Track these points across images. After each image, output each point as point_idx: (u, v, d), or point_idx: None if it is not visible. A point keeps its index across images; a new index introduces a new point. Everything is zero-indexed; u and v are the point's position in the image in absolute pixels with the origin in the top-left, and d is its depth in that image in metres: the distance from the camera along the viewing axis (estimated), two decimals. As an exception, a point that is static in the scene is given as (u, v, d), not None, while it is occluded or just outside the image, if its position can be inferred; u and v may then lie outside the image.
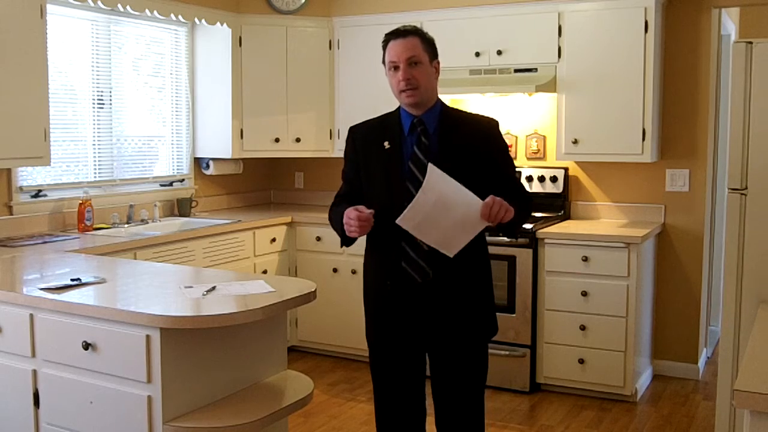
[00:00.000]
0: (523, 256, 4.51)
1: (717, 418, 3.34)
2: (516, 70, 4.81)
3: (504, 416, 4.25)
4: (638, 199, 4.92)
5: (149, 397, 2.52)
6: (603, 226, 4.69)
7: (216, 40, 5.27)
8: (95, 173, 4.74)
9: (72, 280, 2.90)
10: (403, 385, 2.80)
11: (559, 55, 4.70)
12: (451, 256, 2.54)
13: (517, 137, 5.20)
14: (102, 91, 4.74)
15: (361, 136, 2.81)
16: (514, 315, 4.56)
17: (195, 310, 2.58)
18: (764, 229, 3.19)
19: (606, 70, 4.59)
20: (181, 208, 5.17)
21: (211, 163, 5.42)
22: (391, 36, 2.67)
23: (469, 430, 2.78)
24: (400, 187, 2.64)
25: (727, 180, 3.29)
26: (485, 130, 2.73)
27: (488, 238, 4.61)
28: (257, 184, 5.96)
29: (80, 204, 4.38)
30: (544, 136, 5.12)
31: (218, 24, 5.13)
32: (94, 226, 4.42)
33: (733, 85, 3.23)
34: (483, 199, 2.50)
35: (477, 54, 4.88)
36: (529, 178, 5.05)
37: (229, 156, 5.33)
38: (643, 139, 4.53)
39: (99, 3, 4.35)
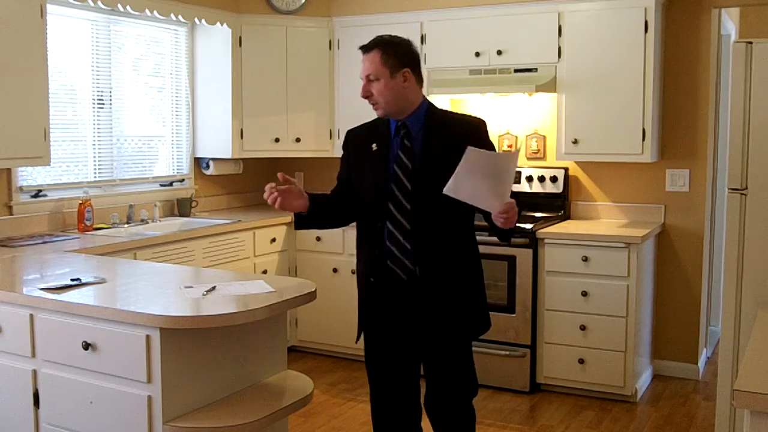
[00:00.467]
0: (523, 256, 4.51)
1: (717, 418, 3.34)
2: (516, 70, 4.81)
3: (504, 416, 4.25)
4: (638, 199, 4.92)
5: (149, 397, 2.52)
6: (603, 226, 4.69)
7: (216, 40, 5.27)
8: (95, 173, 4.74)
9: (72, 280, 2.90)
10: (395, 381, 2.88)
11: (559, 55, 4.70)
12: (444, 192, 2.52)
13: (517, 137, 5.20)
14: (102, 91, 4.74)
15: (354, 138, 2.92)
16: (514, 315, 4.56)
17: (195, 310, 2.58)
18: (764, 229, 3.19)
19: (606, 70, 4.59)
20: (181, 208, 5.17)
21: (211, 163, 5.42)
22: (360, 49, 2.77)
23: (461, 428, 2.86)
24: (385, 187, 2.74)
25: (727, 180, 3.29)
26: (470, 131, 2.77)
27: (488, 239, 4.62)
28: (257, 184, 5.95)
29: (80, 204, 4.38)
30: (544, 136, 5.12)
31: (218, 24, 5.13)
32: (94, 226, 4.42)
33: (733, 85, 3.23)
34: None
35: (477, 54, 4.88)
36: (529, 178, 5.05)
37: (229, 156, 5.33)
38: (643, 139, 4.53)
39: (99, 3, 4.35)
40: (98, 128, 4.73)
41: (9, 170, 4.19)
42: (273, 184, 2.70)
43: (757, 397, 1.84)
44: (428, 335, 2.80)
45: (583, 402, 4.45)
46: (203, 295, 2.71)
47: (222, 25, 5.15)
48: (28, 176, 4.35)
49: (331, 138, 5.44)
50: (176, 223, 4.90)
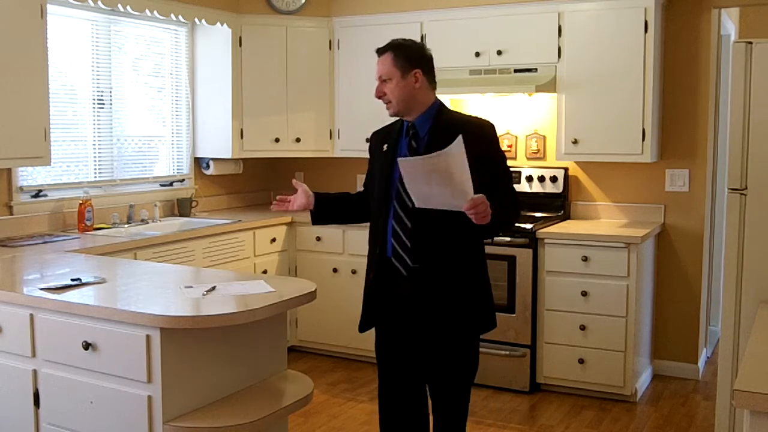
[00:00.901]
0: (523, 256, 4.51)
1: (717, 418, 3.34)
2: (516, 70, 4.81)
3: (504, 416, 4.25)
4: (638, 199, 4.92)
5: (149, 397, 2.52)
6: (603, 226, 4.69)
7: (216, 40, 5.27)
8: (95, 173, 4.74)
9: (72, 280, 2.90)
10: (401, 374, 2.96)
11: (559, 55, 4.70)
12: (417, 206, 2.67)
13: (517, 137, 5.20)
14: (102, 91, 4.75)
15: (374, 139, 3.05)
16: (514, 315, 4.56)
17: (195, 310, 2.58)
18: (764, 229, 3.19)
19: (606, 70, 4.59)
20: (181, 208, 5.17)
21: (211, 163, 5.43)
22: (375, 52, 2.89)
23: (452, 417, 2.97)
24: (391, 187, 2.84)
25: (727, 180, 3.29)
26: (478, 133, 2.80)
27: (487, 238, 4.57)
28: (257, 184, 5.96)
29: (80, 204, 4.39)
30: (544, 136, 5.12)
31: (218, 24, 5.13)
32: (95, 226, 4.43)
33: (733, 85, 3.23)
34: None
35: (477, 54, 4.88)
36: (529, 178, 5.05)
37: (229, 156, 5.33)
38: (643, 139, 4.53)
39: (99, 3, 4.35)
40: (98, 128, 4.74)
41: (9, 170, 4.19)
42: (282, 198, 3.03)
43: (757, 397, 1.84)
44: (428, 330, 2.87)
45: (583, 402, 4.45)
46: (203, 295, 2.72)
47: (222, 25, 5.16)
48: (29, 176, 4.35)
49: (331, 138, 5.44)
50: (176, 223, 4.91)
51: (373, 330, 3.03)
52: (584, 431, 4.07)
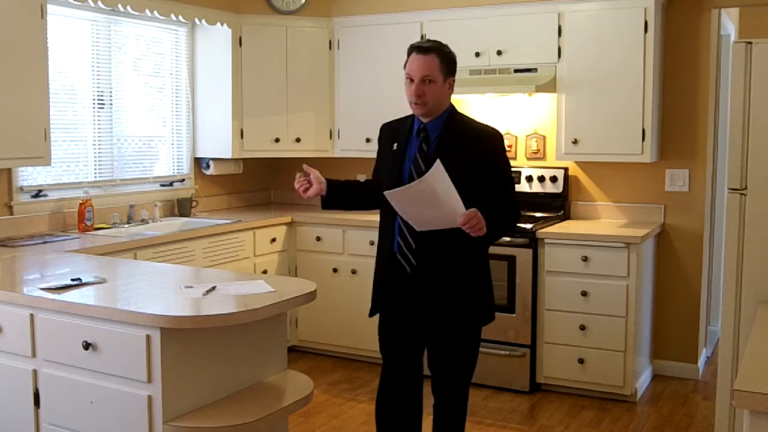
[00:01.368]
0: (523, 256, 4.51)
1: (717, 418, 3.34)
2: (516, 70, 4.81)
3: (504, 416, 4.25)
4: (638, 199, 4.93)
5: (149, 397, 2.52)
6: (603, 226, 4.69)
7: (216, 40, 5.27)
8: (95, 173, 4.74)
9: (72, 280, 2.91)
10: (401, 363, 3.07)
11: (559, 55, 4.70)
12: (418, 230, 2.81)
13: (517, 137, 5.20)
14: (102, 91, 4.75)
15: (384, 133, 3.12)
16: (514, 315, 4.56)
17: (195, 310, 2.58)
18: (764, 229, 3.19)
19: (606, 70, 4.59)
20: (182, 208, 5.17)
21: (211, 163, 5.43)
22: (414, 48, 2.91)
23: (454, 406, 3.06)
24: (399, 185, 2.84)
25: (727, 180, 3.29)
26: (486, 142, 2.95)
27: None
28: (257, 184, 5.97)
29: (80, 204, 4.39)
30: (544, 136, 5.12)
31: (218, 24, 5.14)
32: (95, 226, 4.43)
33: (732, 85, 3.23)
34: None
35: (477, 54, 4.88)
36: (529, 178, 5.05)
37: (229, 156, 5.33)
38: (643, 139, 4.53)
39: (99, 3, 4.35)
40: (98, 128, 4.74)
41: (9, 170, 4.19)
42: (303, 175, 3.00)
43: (757, 397, 1.84)
44: (431, 322, 2.98)
45: (582, 402, 4.45)
46: (203, 295, 2.72)
47: (222, 25, 5.16)
48: (29, 176, 4.35)
49: (331, 138, 5.44)
50: (176, 223, 4.91)
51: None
52: (584, 431, 4.07)
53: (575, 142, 4.70)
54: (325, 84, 5.41)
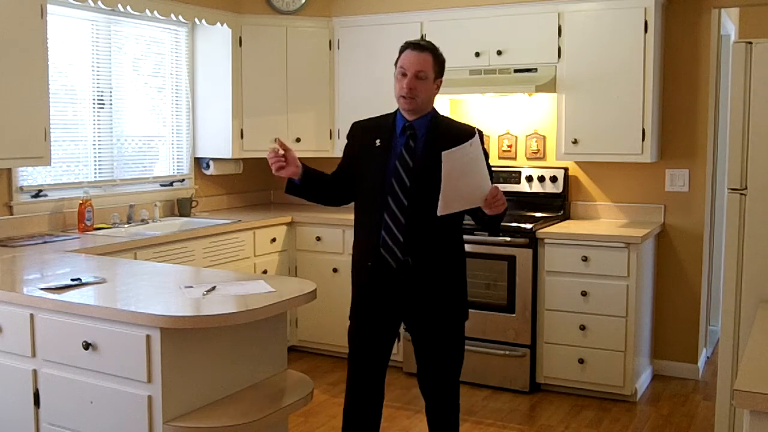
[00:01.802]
0: (523, 256, 4.51)
1: (717, 418, 3.34)
2: (516, 70, 4.81)
3: (504, 416, 4.25)
4: (638, 199, 4.93)
5: (149, 397, 2.52)
6: (603, 226, 4.69)
7: (216, 40, 5.27)
8: (95, 173, 4.74)
9: (72, 280, 2.90)
10: (375, 350, 3.11)
11: (559, 55, 4.70)
12: (439, 214, 2.79)
13: (517, 137, 5.20)
14: (102, 91, 4.75)
15: (360, 130, 3.15)
16: (514, 315, 4.56)
17: (195, 310, 2.58)
18: (764, 229, 3.19)
19: (606, 70, 4.59)
20: (182, 208, 5.17)
21: (211, 163, 5.43)
22: (409, 45, 2.98)
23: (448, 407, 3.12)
24: (385, 181, 2.96)
25: (727, 180, 3.29)
26: (467, 139, 2.97)
27: (488, 238, 4.62)
28: (257, 184, 5.96)
29: (80, 204, 4.39)
30: (544, 136, 5.12)
31: (218, 24, 5.14)
32: (95, 226, 4.43)
33: (732, 85, 3.23)
34: None
35: (477, 54, 4.88)
36: (529, 178, 5.05)
37: (229, 156, 5.33)
38: (643, 139, 4.53)
39: (99, 3, 4.35)
40: (98, 128, 4.74)
41: (9, 170, 4.19)
42: (278, 150, 2.94)
43: (757, 397, 1.84)
44: (414, 320, 3.06)
45: (582, 402, 4.45)
46: (203, 295, 2.72)
47: (222, 25, 5.16)
48: (29, 176, 4.35)
49: (331, 138, 5.44)
50: (176, 223, 4.91)
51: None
52: (584, 431, 4.07)
53: (575, 142, 4.70)
54: (325, 84, 5.41)
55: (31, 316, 2.77)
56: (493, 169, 5.04)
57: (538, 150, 5.13)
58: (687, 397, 4.55)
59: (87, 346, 2.62)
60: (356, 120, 3.20)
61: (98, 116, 4.73)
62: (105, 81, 4.76)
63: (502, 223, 4.54)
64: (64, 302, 2.68)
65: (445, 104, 5.28)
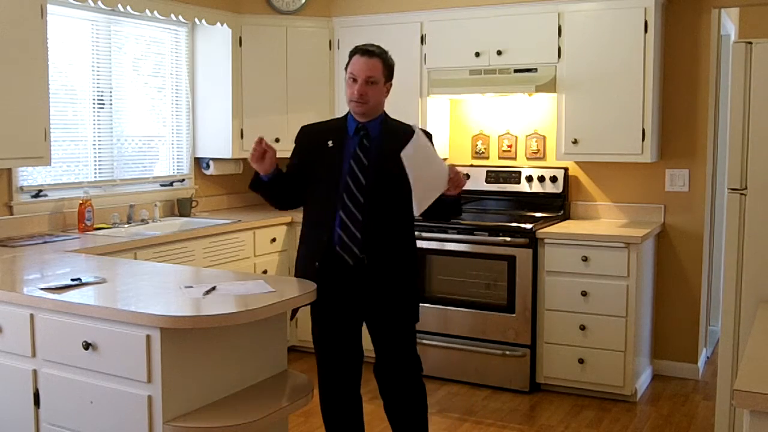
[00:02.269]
0: (523, 256, 4.51)
1: (717, 418, 3.34)
2: (516, 70, 4.81)
3: (504, 416, 4.25)
4: (638, 199, 4.93)
5: (149, 397, 2.52)
6: (603, 226, 4.69)
7: (216, 40, 5.27)
8: (95, 173, 4.74)
9: (72, 280, 2.90)
10: (342, 360, 3.17)
11: (559, 55, 4.70)
12: (417, 214, 2.92)
13: (517, 137, 5.20)
14: (102, 91, 4.75)
15: (309, 133, 3.21)
16: (514, 315, 4.56)
17: (195, 310, 2.58)
18: (764, 229, 3.19)
19: (606, 70, 4.59)
20: (182, 208, 5.17)
21: (211, 163, 5.43)
22: (358, 51, 3.07)
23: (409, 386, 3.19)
24: (340, 180, 3.02)
25: (726, 180, 3.29)
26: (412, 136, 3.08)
27: (487, 238, 4.63)
28: (257, 184, 5.95)
29: (80, 204, 4.39)
30: (544, 136, 5.12)
31: (218, 24, 5.14)
32: (95, 226, 4.43)
33: (732, 85, 3.23)
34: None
35: (477, 54, 4.88)
36: (529, 178, 5.05)
37: (229, 156, 5.33)
38: (643, 139, 4.53)
39: (99, 3, 4.35)
40: (98, 128, 4.74)
41: (9, 170, 4.19)
42: (263, 142, 2.98)
43: (757, 397, 1.84)
44: (373, 316, 3.12)
45: (582, 402, 4.46)
46: (203, 295, 2.72)
47: (222, 25, 5.16)
48: (29, 176, 4.35)
49: (331, 138, 5.43)
50: (176, 223, 4.91)
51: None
52: (584, 431, 4.07)
53: (575, 142, 4.70)
54: (325, 84, 5.41)
55: (31, 316, 2.77)
56: (493, 169, 5.15)
57: (538, 150, 5.13)
58: (687, 397, 4.55)
59: (87, 346, 2.62)
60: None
61: (98, 116, 4.73)
62: (105, 81, 4.75)
63: (502, 223, 4.60)
64: (64, 302, 2.68)
65: (445, 104, 5.28)
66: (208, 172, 5.46)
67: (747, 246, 3.22)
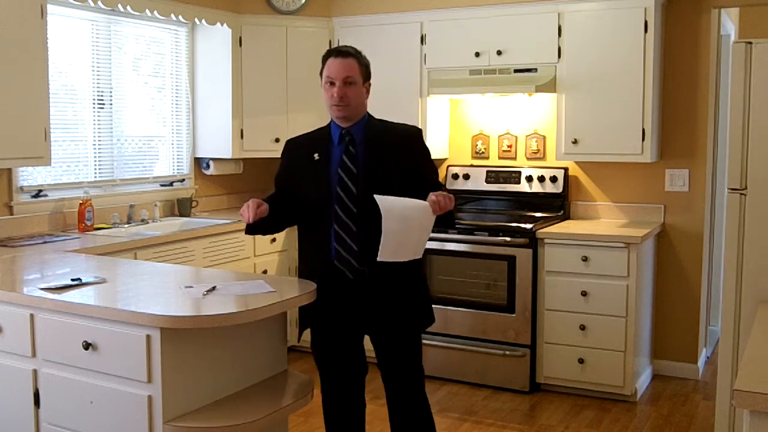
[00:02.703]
0: (523, 256, 4.51)
1: (717, 418, 3.34)
2: (516, 70, 4.81)
3: (504, 416, 4.25)
4: (638, 199, 4.93)
5: (149, 397, 2.52)
6: (603, 226, 4.69)
7: (216, 40, 5.27)
8: (95, 173, 4.74)
9: (72, 280, 2.90)
10: (345, 374, 3.07)
11: (559, 55, 4.70)
12: (420, 257, 2.85)
13: (517, 137, 5.20)
14: (102, 91, 4.75)
15: (294, 147, 3.11)
16: (514, 315, 4.56)
17: (195, 310, 2.58)
18: (764, 229, 3.19)
19: (606, 70, 4.59)
20: (182, 208, 5.17)
21: (211, 163, 5.43)
22: (332, 53, 2.96)
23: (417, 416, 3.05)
24: (330, 191, 2.91)
25: (726, 180, 3.29)
26: (407, 138, 3.02)
27: (487, 238, 4.63)
28: (257, 184, 5.95)
29: (80, 204, 4.39)
30: (544, 136, 5.12)
31: (218, 24, 5.14)
32: (95, 226, 4.43)
33: (732, 85, 3.23)
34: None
35: (477, 54, 4.88)
36: (529, 178, 5.05)
37: (229, 156, 5.33)
38: (643, 139, 4.53)
39: (99, 3, 4.35)
40: (98, 128, 4.74)
41: (9, 170, 4.19)
42: (255, 206, 2.86)
43: (757, 397, 1.84)
44: (377, 330, 2.99)
45: (582, 402, 4.46)
46: (203, 295, 2.72)
47: (222, 25, 5.16)
48: (29, 176, 4.35)
49: (331, 138, 5.43)
50: (176, 223, 4.91)
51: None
52: (584, 431, 4.07)
53: (575, 142, 4.70)
54: (325, 84, 5.40)
55: (31, 316, 2.77)
56: (493, 169, 5.15)
57: (538, 150, 5.13)
58: (687, 397, 4.56)
59: (87, 346, 2.62)
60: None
61: (98, 116, 4.73)
62: (105, 81, 4.76)
63: (502, 223, 4.58)
64: (64, 302, 2.68)
65: (445, 104, 5.28)
66: (208, 172, 5.46)
67: (747, 246, 3.22)
